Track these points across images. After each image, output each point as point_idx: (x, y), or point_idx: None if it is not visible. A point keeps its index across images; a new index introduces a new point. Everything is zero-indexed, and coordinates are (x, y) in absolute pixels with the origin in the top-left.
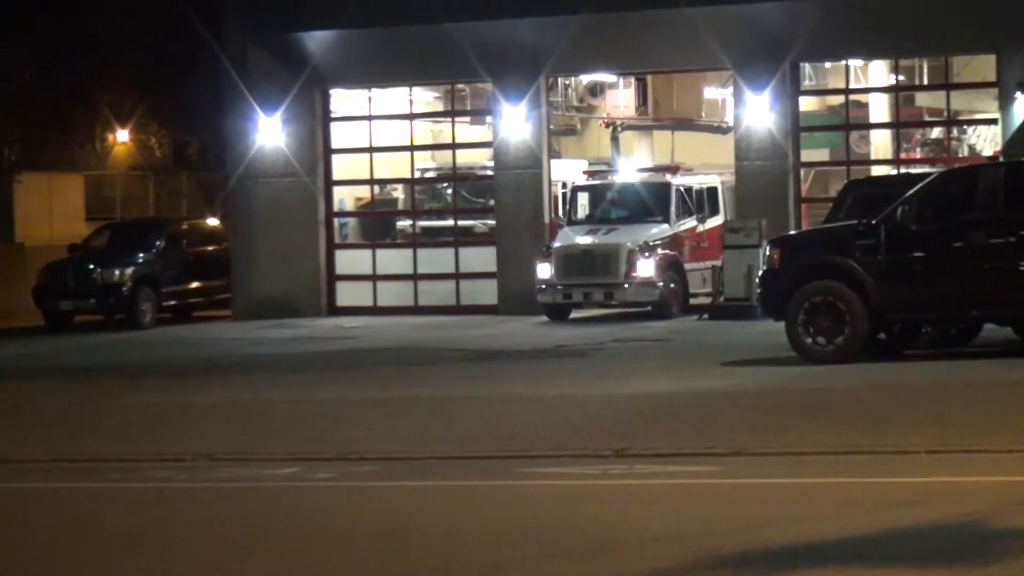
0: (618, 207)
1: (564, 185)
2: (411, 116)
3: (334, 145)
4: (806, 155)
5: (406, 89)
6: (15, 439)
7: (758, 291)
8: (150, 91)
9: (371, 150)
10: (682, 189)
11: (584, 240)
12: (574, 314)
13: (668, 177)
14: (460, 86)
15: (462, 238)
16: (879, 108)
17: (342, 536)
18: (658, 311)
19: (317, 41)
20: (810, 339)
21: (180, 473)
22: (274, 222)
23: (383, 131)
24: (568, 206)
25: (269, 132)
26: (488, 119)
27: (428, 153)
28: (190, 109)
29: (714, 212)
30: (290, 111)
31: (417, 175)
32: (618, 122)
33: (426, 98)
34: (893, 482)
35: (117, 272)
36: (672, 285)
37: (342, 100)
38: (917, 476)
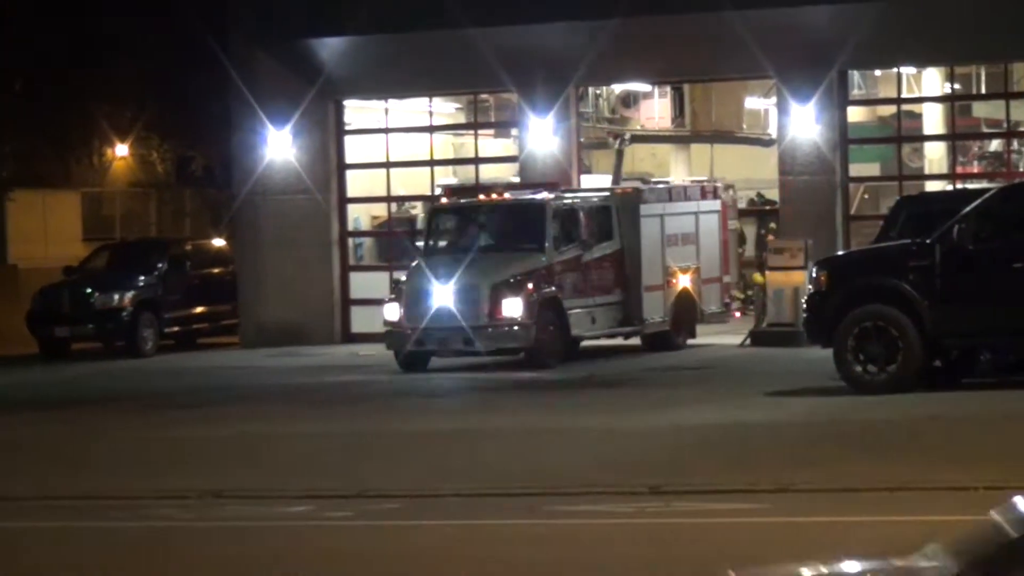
0: (487, 234)
1: None
2: (431, 129)
3: (348, 160)
4: (855, 169)
5: (425, 100)
6: (5, 474)
7: (804, 316)
8: (151, 103)
9: (388, 165)
10: (561, 210)
11: (439, 275)
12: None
13: (543, 196)
14: (483, 96)
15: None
16: (933, 119)
17: None
18: (531, 358)
19: (330, 49)
20: (860, 367)
21: (184, 512)
22: (284, 242)
23: (401, 145)
24: (425, 233)
25: (279, 146)
26: (513, 131)
27: (449, 168)
28: (194, 122)
29: (605, 237)
30: (301, 124)
31: (437, 191)
32: (625, 135)
33: (447, 109)
34: (948, 520)
35: (116, 296)
36: (549, 327)
37: (357, 112)
38: (974, 514)
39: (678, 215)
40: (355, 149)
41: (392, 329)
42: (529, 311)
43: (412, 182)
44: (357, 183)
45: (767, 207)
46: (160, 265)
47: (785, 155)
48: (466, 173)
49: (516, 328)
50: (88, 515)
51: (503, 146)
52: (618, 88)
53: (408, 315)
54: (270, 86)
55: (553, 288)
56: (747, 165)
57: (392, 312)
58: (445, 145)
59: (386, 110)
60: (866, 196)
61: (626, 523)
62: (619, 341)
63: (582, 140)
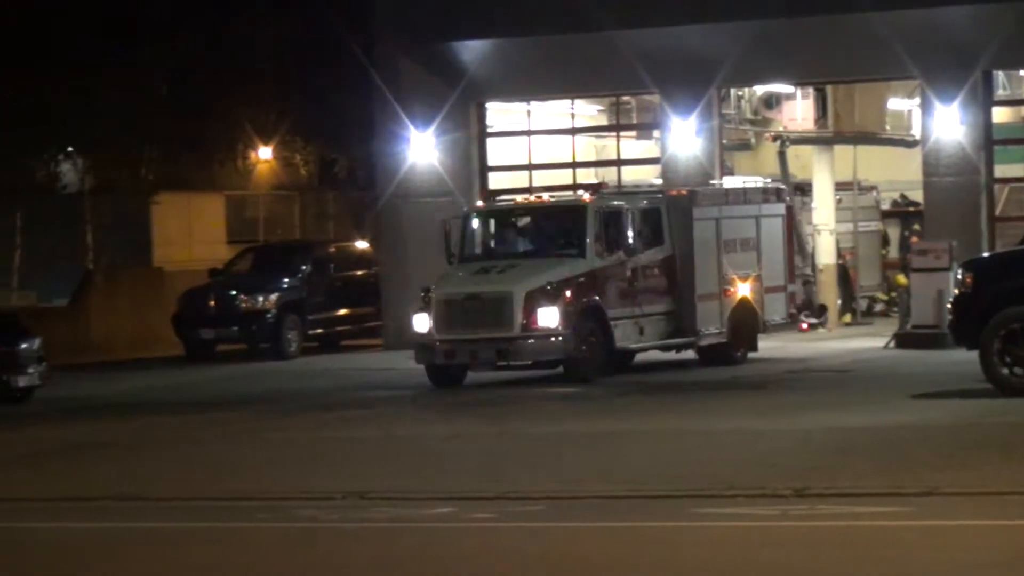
0: (525, 238)
1: None
2: (573, 131)
3: (490, 162)
4: (1000, 170)
5: (567, 102)
6: (153, 476)
7: (949, 318)
8: (295, 106)
9: (530, 167)
10: (604, 213)
11: (470, 282)
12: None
13: (585, 198)
14: (625, 98)
15: None
16: None
17: None
18: (570, 372)
19: (472, 51)
20: (1007, 369)
21: (330, 512)
22: (427, 244)
23: (543, 147)
24: (460, 237)
25: (421, 149)
26: (655, 133)
27: (591, 170)
28: (337, 125)
29: (654, 242)
30: (444, 126)
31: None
32: (785, 136)
33: (589, 111)
34: None
35: (261, 298)
36: (590, 338)
37: (499, 114)
38: None
39: (736, 219)
40: (497, 151)
41: (421, 341)
42: (567, 321)
43: (554, 184)
44: (499, 185)
45: (910, 208)
46: (304, 267)
47: (929, 156)
48: (608, 175)
49: (553, 339)
50: (234, 516)
51: (645, 148)
52: (760, 89)
53: (437, 326)
54: (413, 89)
55: (595, 296)
56: (891, 166)
57: (421, 323)
58: (587, 147)
59: (528, 112)
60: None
61: (770, 526)
62: (673, 355)
63: (724, 142)
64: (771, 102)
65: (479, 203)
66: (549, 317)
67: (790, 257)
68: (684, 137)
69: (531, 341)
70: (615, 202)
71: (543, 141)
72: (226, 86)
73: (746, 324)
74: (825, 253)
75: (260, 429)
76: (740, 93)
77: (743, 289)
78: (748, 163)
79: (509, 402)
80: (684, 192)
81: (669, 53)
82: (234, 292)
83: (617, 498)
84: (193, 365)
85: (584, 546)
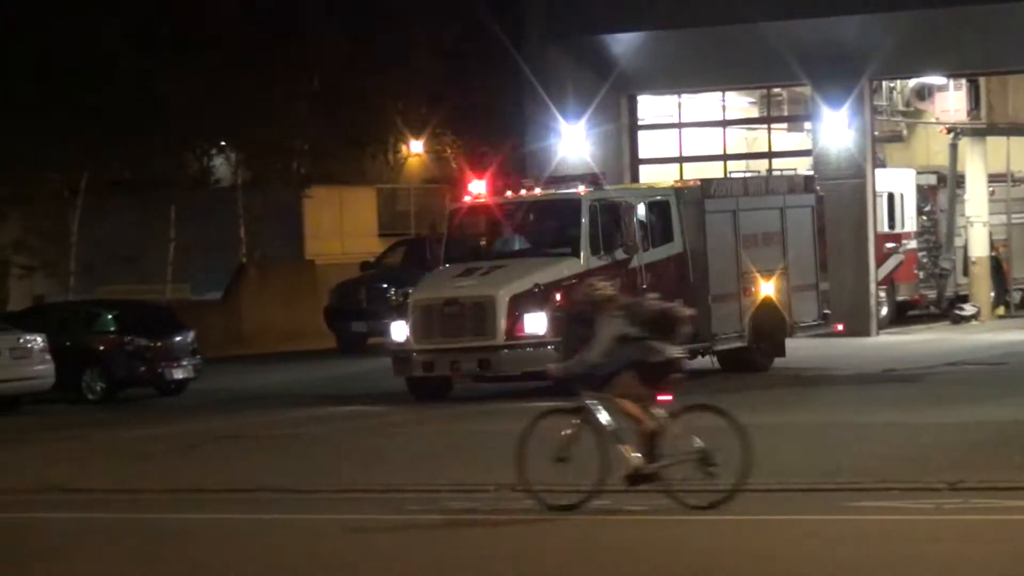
0: (515, 237)
1: (890, 197)
2: (724, 123)
3: (641, 154)
4: None
5: (718, 94)
6: (305, 469)
7: None
8: (446, 100)
9: (681, 160)
10: (602, 207)
11: (451, 285)
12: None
13: (581, 191)
14: (776, 90)
15: None
16: None
17: (653, 573)
18: (559, 384)
19: (622, 44)
20: None
21: (480, 504)
22: None
23: (694, 139)
24: (445, 236)
25: (572, 141)
26: (807, 125)
27: (743, 162)
28: (487, 118)
29: (663, 238)
30: (594, 119)
31: None
32: (958, 127)
33: (740, 103)
34: None
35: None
36: (583, 346)
37: (649, 106)
38: None
39: (757, 211)
40: (648, 143)
41: (397, 352)
42: (556, 327)
43: (705, 176)
44: (650, 178)
45: None
46: None
47: None
48: (759, 167)
49: (541, 348)
50: (385, 507)
51: (797, 140)
52: (912, 81)
53: (415, 334)
54: (563, 82)
55: None
56: None
57: (399, 332)
58: (738, 139)
59: (679, 104)
60: None
61: (924, 520)
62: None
63: (876, 133)
64: (923, 93)
65: (466, 198)
66: (536, 323)
67: (822, 252)
68: (835, 129)
69: (516, 350)
70: (614, 195)
71: (694, 133)
72: (377, 80)
73: (771, 326)
74: (978, 245)
75: (410, 422)
76: (892, 84)
77: (766, 288)
78: (900, 155)
79: None
80: (695, 183)
81: (820, 45)
82: (385, 285)
83: (770, 491)
84: (345, 358)
85: (737, 538)
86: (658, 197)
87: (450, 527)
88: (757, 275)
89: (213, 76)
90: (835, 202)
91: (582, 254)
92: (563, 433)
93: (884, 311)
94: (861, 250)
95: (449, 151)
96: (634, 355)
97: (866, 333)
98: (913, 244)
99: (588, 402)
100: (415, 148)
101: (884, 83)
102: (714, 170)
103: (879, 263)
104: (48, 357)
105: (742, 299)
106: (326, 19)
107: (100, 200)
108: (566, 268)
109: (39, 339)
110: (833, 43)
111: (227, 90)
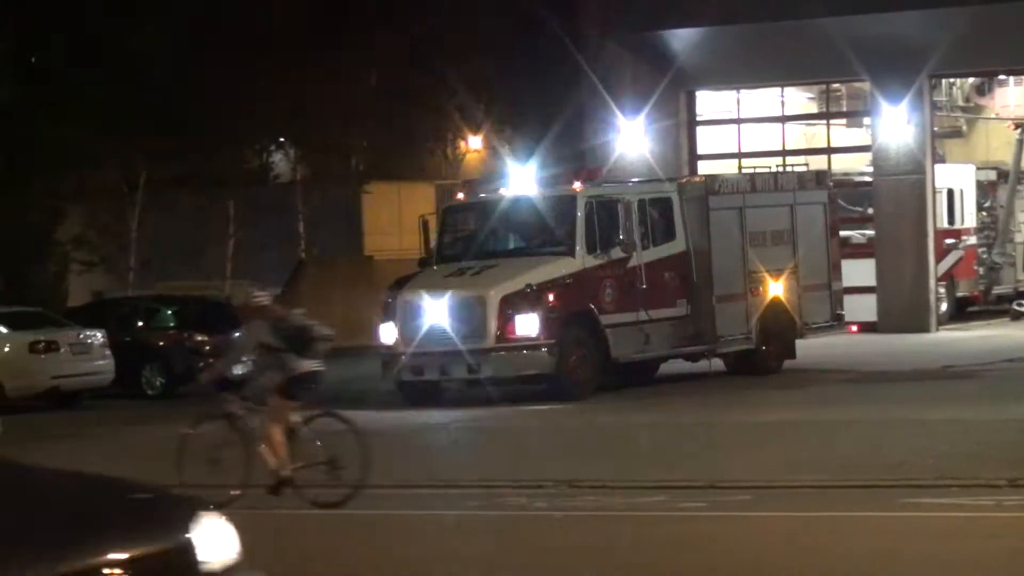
0: (510, 235)
1: (950, 194)
2: (783, 119)
3: (700, 150)
4: None
5: (777, 89)
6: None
7: None
8: (503, 96)
9: (739, 155)
10: (599, 204)
11: (440, 286)
12: None
13: (576, 187)
14: (835, 86)
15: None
16: None
17: (707, 570)
18: (553, 388)
19: (681, 40)
20: None
21: (538, 500)
22: None
23: (752, 135)
24: (438, 235)
25: (631, 136)
26: (866, 121)
27: (801, 158)
28: (545, 113)
29: (665, 236)
30: (653, 114)
31: None
32: None
33: (799, 99)
34: None
35: None
36: (579, 348)
37: (707, 102)
38: None
39: (765, 208)
40: (706, 139)
41: (386, 355)
42: (550, 329)
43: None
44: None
45: None
46: None
47: None
48: (818, 163)
49: (533, 351)
50: (440, 503)
51: (856, 136)
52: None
53: (403, 337)
54: (622, 77)
55: (586, 300)
56: None
57: (388, 334)
58: (797, 135)
59: (738, 100)
60: None
61: (984, 516)
62: (698, 364)
63: (935, 129)
64: (983, 88)
65: (459, 195)
66: (528, 325)
67: (834, 250)
68: (895, 124)
69: (508, 352)
70: (611, 192)
71: (753, 129)
72: (435, 76)
73: (779, 327)
74: None
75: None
76: (951, 80)
77: (775, 288)
78: (960, 150)
79: (702, 391)
80: (699, 179)
81: (880, 40)
82: None
83: (828, 487)
84: None
85: (795, 535)
86: (659, 194)
87: (502, 522)
88: (765, 275)
89: (273, 74)
90: (894, 198)
91: (577, 252)
92: (213, 437)
93: (943, 307)
94: (920, 246)
95: (507, 146)
96: (275, 364)
97: (925, 329)
98: (973, 240)
99: (233, 409)
100: (473, 144)
101: (943, 79)
102: (773, 165)
103: (938, 259)
104: (108, 353)
105: (749, 299)
106: (384, 16)
107: (160, 196)
108: (561, 267)
109: (99, 335)
110: (893, 38)
111: (286, 87)
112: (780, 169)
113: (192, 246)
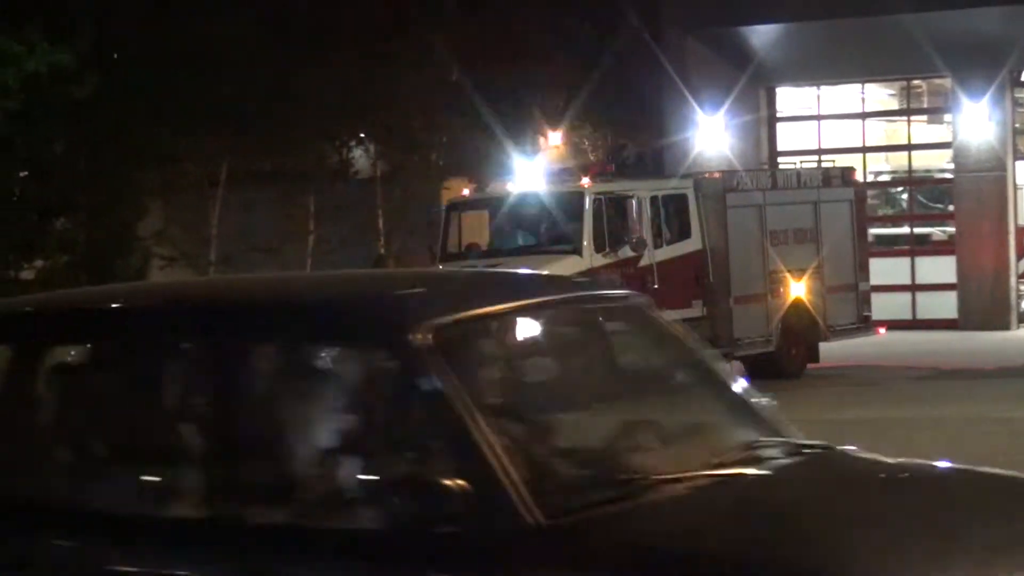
0: (516, 233)
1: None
2: (863, 115)
3: (780, 147)
4: None
5: (857, 86)
6: None
7: None
8: (584, 91)
9: (819, 152)
10: (608, 201)
11: None
12: None
13: (584, 183)
14: (916, 82)
15: (918, 247)
16: None
17: None
18: None
19: (761, 36)
20: None
21: None
22: None
23: (832, 131)
24: (441, 235)
25: (710, 133)
26: (946, 118)
27: (882, 155)
28: (625, 110)
29: (680, 235)
30: (733, 110)
31: (870, 178)
32: None
33: (879, 95)
34: None
35: None
36: None
37: (787, 98)
38: None
39: (787, 205)
40: (786, 136)
41: None
42: None
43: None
44: None
45: None
46: None
47: None
48: (898, 160)
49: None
50: None
51: (936, 132)
52: None
53: None
54: (701, 73)
55: None
56: None
57: None
58: (877, 131)
59: (818, 96)
60: None
61: None
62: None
63: (1017, 126)
64: None
65: (464, 192)
66: None
67: (862, 249)
68: (976, 121)
69: None
70: (620, 188)
71: (833, 125)
72: (515, 73)
73: (802, 329)
74: None
75: None
76: None
77: (797, 289)
78: None
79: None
80: (715, 175)
81: (961, 36)
82: None
83: None
84: None
85: None
86: (673, 190)
87: None
88: (787, 275)
89: (353, 69)
90: (975, 195)
91: (584, 251)
92: None
93: None
94: (1002, 243)
95: (587, 143)
96: None
97: (1006, 327)
98: None
99: None
100: (553, 140)
101: None
102: (853, 162)
103: (1020, 256)
104: None
105: (769, 301)
106: (464, 11)
107: (240, 191)
108: (567, 266)
109: None
110: (974, 34)
111: (366, 83)
112: (800, 167)
113: (273, 242)
